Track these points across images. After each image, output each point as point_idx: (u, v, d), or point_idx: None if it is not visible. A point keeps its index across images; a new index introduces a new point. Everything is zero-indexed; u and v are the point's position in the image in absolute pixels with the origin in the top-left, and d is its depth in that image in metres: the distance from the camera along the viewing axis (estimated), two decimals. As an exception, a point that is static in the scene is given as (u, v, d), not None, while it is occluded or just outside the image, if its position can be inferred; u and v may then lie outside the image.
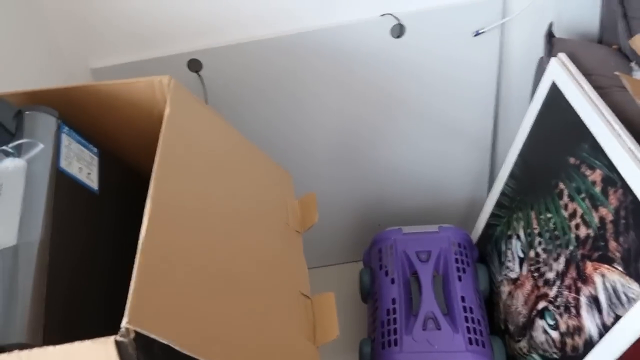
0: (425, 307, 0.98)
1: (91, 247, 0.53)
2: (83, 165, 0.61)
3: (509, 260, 1.03)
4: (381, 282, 1.05)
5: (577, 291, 0.80)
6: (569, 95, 0.84)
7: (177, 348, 0.39)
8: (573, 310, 0.81)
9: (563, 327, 0.84)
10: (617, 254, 0.72)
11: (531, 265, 0.95)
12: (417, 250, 1.08)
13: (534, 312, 0.93)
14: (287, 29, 0.98)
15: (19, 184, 0.51)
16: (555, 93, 0.88)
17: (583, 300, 0.79)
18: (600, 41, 1.01)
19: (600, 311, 0.75)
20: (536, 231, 0.94)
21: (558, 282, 0.86)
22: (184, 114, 0.61)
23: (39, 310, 0.42)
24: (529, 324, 0.95)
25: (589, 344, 0.77)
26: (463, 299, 0.99)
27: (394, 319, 0.97)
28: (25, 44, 0.85)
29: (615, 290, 0.72)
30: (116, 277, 0.45)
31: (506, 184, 1.07)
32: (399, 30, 0.99)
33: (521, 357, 0.97)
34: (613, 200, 0.73)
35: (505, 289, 1.05)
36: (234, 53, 0.99)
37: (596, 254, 0.76)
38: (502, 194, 1.09)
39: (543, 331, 0.90)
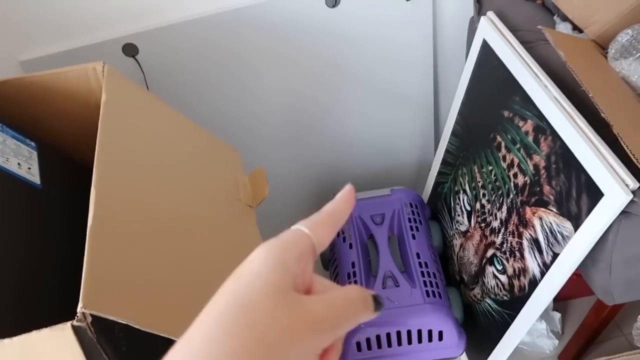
0: (384, 267, 1.02)
1: (40, 240, 0.53)
2: (22, 160, 0.60)
3: (458, 215, 1.09)
4: (340, 248, 1.09)
5: (520, 235, 0.86)
6: (499, 51, 0.87)
7: (136, 327, 0.40)
8: (517, 254, 0.87)
9: (510, 271, 0.90)
10: (551, 197, 0.77)
11: (478, 216, 1.00)
12: (371, 214, 1.11)
13: (484, 260, 0.99)
14: (224, 4, 0.97)
15: (-44, 185, 0.50)
16: (486, 50, 0.92)
17: (525, 243, 0.84)
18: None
19: (540, 251, 0.80)
20: (480, 184, 0.99)
21: (503, 230, 0.91)
22: (122, 100, 0.61)
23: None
24: (480, 272, 1.00)
25: (533, 283, 0.82)
26: (418, 255, 1.03)
27: (355, 282, 1.01)
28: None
29: (552, 231, 0.77)
30: (71, 265, 0.46)
31: (450, 142, 1.11)
32: (334, 0, 0.99)
33: (476, 303, 1.03)
34: (544, 147, 0.78)
35: (457, 242, 1.10)
36: (171, 34, 0.97)
37: (533, 199, 0.81)
38: (447, 152, 1.13)
39: (493, 276, 0.96)
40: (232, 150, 0.77)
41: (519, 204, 0.86)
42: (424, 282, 0.99)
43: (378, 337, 0.95)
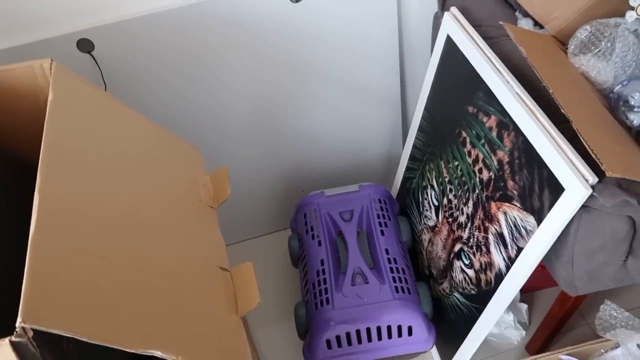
0: (353, 264, 1.01)
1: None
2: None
3: (427, 210, 1.09)
4: (309, 246, 1.08)
5: (486, 230, 0.87)
6: (462, 47, 0.88)
7: (83, 339, 0.38)
8: (484, 248, 0.88)
9: (477, 265, 0.91)
10: (515, 192, 0.77)
11: (445, 211, 1.01)
12: (340, 211, 1.11)
13: (452, 255, 0.99)
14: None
15: None
16: (450, 46, 0.92)
17: (491, 237, 0.85)
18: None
19: (505, 246, 0.81)
20: (447, 179, 0.99)
21: (469, 224, 0.92)
22: (70, 99, 0.58)
23: None
24: (448, 266, 1.01)
25: (499, 277, 0.83)
26: (387, 251, 1.03)
27: (324, 279, 1.00)
28: None
29: (516, 225, 0.78)
30: (13, 274, 0.43)
31: (417, 138, 1.11)
32: (298, -5, 0.98)
33: (445, 297, 1.03)
34: (507, 142, 0.78)
35: (425, 237, 1.11)
36: (129, 28, 0.94)
37: (498, 194, 0.82)
38: (414, 147, 1.13)
39: (461, 271, 0.96)
40: (192, 149, 0.75)
41: (484, 199, 0.86)
42: (393, 278, 0.99)
43: (348, 335, 0.95)
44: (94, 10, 0.92)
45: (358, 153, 1.29)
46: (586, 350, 0.93)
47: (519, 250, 0.77)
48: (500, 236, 0.82)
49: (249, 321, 1.20)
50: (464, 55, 0.87)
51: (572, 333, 1.11)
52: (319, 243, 1.06)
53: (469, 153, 0.90)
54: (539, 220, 0.72)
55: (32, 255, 0.39)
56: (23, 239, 0.42)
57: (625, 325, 0.91)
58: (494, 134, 0.81)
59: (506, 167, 0.79)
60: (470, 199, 0.91)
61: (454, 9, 0.91)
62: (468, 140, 0.90)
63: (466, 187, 0.92)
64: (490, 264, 0.86)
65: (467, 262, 0.94)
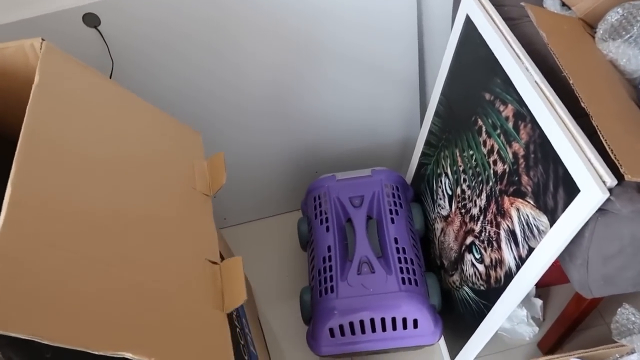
0: (360, 252, 0.99)
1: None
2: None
3: (440, 198, 1.05)
4: (317, 231, 1.06)
5: (497, 225, 0.82)
6: (481, 28, 0.82)
7: (44, 342, 0.37)
8: (495, 244, 0.84)
9: (487, 260, 0.86)
10: (529, 188, 0.73)
11: (458, 202, 0.96)
12: (350, 196, 1.08)
13: (463, 247, 0.95)
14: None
15: None
16: (469, 27, 0.86)
17: (502, 234, 0.81)
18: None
19: (517, 244, 0.77)
20: (461, 168, 0.95)
21: (482, 218, 0.87)
22: (58, 82, 0.56)
23: None
24: (459, 259, 0.97)
25: (509, 276, 0.79)
26: (396, 240, 1.00)
27: (330, 267, 0.98)
28: None
29: (528, 224, 0.73)
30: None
31: (433, 123, 1.06)
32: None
33: (455, 290, 1.00)
34: (524, 135, 0.73)
35: (438, 226, 1.07)
36: (136, 2, 0.91)
37: (511, 189, 0.77)
38: (430, 132, 1.08)
39: (471, 264, 0.92)
40: (192, 133, 0.73)
41: (497, 192, 0.81)
42: (401, 268, 0.96)
43: (351, 324, 0.93)
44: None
45: (373, 136, 1.25)
46: (600, 355, 0.88)
47: (530, 250, 0.73)
48: (512, 233, 0.78)
49: (259, 299, 1.20)
50: (482, 37, 0.81)
51: (588, 332, 1.07)
52: (327, 229, 1.04)
53: (484, 143, 0.85)
54: (552, 221, 0.67)
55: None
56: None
57: (644, 330, 0.86)
58: (510, 124, 0.76)
59: (521, 160, 0.74)
60: (484, 192, 0.86)
61: (475, -13, 0.84)
62: (484, 129, 0.85)
63: (480, 179, 0.87)
64: (500, 261, 0.82)
65: (477, 256, 0.90)
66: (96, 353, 0.40)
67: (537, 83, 0.69)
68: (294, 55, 1.06)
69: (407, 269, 0.96)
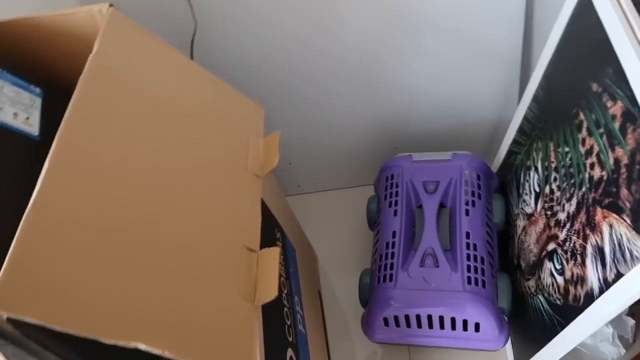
0: (426, 243, 0.92)
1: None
2: (20, 109, 0.58)
3: (526, 194, 0.94)
4: (384, 213, 1.00)
5: (585, 238, 0.71)
6: (598, 4, 0.68)
7: (52, 328, 0.37)
8: (579, 258, 0.73)
9: (568, 274, 0.76)
10: (627, 204, 0.61)
11: (545, 202, 0.85)
12: (424, 180, 1.00)
13: (544, 253, 0.85)
14: None
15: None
16: (585, 3, 0.72)
17: (589, 249, 0.70)
18: None
19: (604, 264, 0.66)
20: (553, 165, 0.83)
21: (568, 225, 0.77)
22: (117, 52, 0.55)
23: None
24: (538, 264, 0.87)
25: (589, 297, 0.69)
26: (468, 235, 0.92)
27: (392, 254, 0.93)
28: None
29: (620, 244, 0.62)
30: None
31: (529, 109, 0.94)
32: None
33: (529, 296, 0.91)
34: (630, 140, 0.61)
35: (520, 223, 0.96)
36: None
37: (607, 200, 0.66)
38: (525, 119, 0.96)
39: (550, 274, 0.82)
40: (254, 107, 0.70)
41: (590, 200, 0.70)
42: (468, 266, 0.88)
43: (407, 317, 0.88)
44: None
45: (462, 115, 1.14)
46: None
47: (619, 275, 0.62)
48: (600, 251, 0.67)
49: (322, 270, 1.18)
50: (598, 16, 0.68)
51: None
52: (395, 212, 0.98)
53: (583, 141, 0.73)
54: (653, 251, 0.56)
55: (26, 226, 0.38)
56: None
57: None
58: (617, 124, 0.64)
59: (623, 170, 0.62)
60: (575, 196, 0.75)
61: (597, -47, 0.70)
62: (585, 124, 0.72)
63: (573, 181, 0.76)
64: (582, 279, 0.72)
65: (558, 266, 0.79)
66: (107, 342, 0.40)
67: (656, 80, 0.56)
68: (389, 23, 0.97)
69: (476, 267, 0.88)
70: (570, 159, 0.76)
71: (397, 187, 1.01)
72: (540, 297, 0.86)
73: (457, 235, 0.92)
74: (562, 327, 0.77)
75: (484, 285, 0.87)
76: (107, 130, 0.51)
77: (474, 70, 1.06)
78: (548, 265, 0.83)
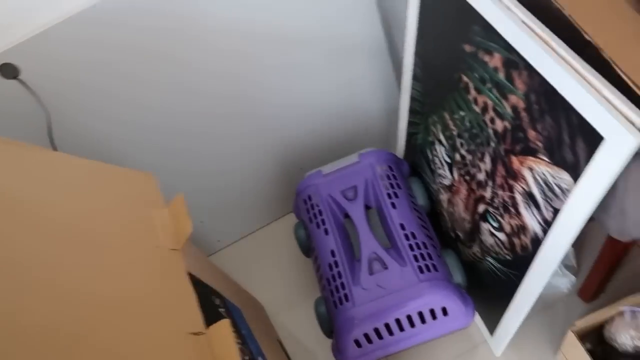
0: (367, 249, 0.89)
1: None
2: None
3: (439, 168, 0.95)
4: (315, 236, 0.96)
5: (511, 189, 0.72)
6: (443, -27, 0.70)
7: None
8: (512, 210, 0.74)
9: (507, 228, 0.77)
10: (539, 143, 0.63)
11: (460, 169, 0.87)
12: (342, 189, 0.98)
13: (477, 216, 0.86)
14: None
15: None
16: (429, -26, 0.75)
17: (518, 197, 0.71)
18: None
19: (538, 206, 0.67)
20: (455, 132, 0.84)
21: (490, 183, 0.78)
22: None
23: None
24: (475, 229, 0.88)
25: (536, 241, 0.70)
26: (402, 226, 0.90)
27: (339, 273, 0.89)
28: None
29: (546, 183, 0.64)
30: None
31: (413, 88, 0.96)
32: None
33: (478, 262, 0.91)
34: (520, 85, 0.63)
35: (443, 197, 0.97)
36: (53, 40, 0.79)
37: (518, 147, 0.67)
38: (413, 99, 0.98)
39: (490, 234, 0.83)
40: (143, 178, 0.62)
41: (502, 153, 0.71)
42: (415, 256, 0.86)
43: (377, 330, 0.84)
44: (6, 28, 0.78)
45: (353, 116, 1.14)
46: (651, 296, 0.80)
47: (556, 211, 0.63)
48: (529, 195, 0.68)
49: (275, 316, 1.11)
50: (447, -16, 0.70)
51: (631, 268, 0.98)
52: (326, 232, 0.94)
53: (475, 101, 0.74)
54: (575, 177, 0.58)
55: None
56: None
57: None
58: (502, 75, 0.66)
59: (523, 114, 0.64)
60: (487, 154, 0.76)
61: None
62: (471, 85, 0.74)
63: (479, 141, 0.77)
64: (522, 227, 0.73)
65: (495, 224, 0.80)
66: None
67: (524, 22, 0.58)
68: (249, 55, 0.94)
69: (422, 254, 0.87)
70: (470, 121, 0.78)
71: (318, 206, 0.97)
72: (489, 259, 0.87)
73: (393, 230, 0.90)
74: (520, 279, 0.77)
75: (435, 269, 0.86)
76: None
77: (347, 69, 1.06)
78: (485, 226, 0.84)
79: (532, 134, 0.63)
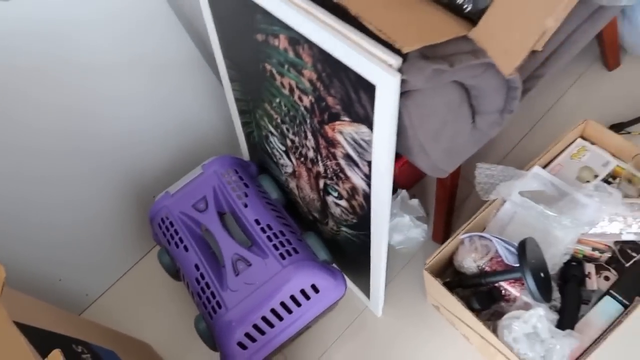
0: (228, 253, 0.90)
1: None
2: None
3: (280, 158, 0.98)
4: (177, 256, 0.94)
5: (334, 156, 0.78)
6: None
7: None
8: (342, 175, 0.79)
9: (344, 194, 0.83)
10: (338, 107, 0.68)
11: (294, 153, 0.91)
12: (192, 204, 0.97)
13: (321, 193, 0.91)
14: None
15: None
16: (207, -23, 0.78)
17: (342, 162, 0.77)
18: None
19: (357, 164, 0.73)
20: (279, 120, 0.88)
21: (319, 157, 0.83)
22: None
23: None
24: (324, 205, 0.93)
25: (367, 196, 0.76)
26: (257, 221, 0.92)
27: (207, 284, 0.88)
28: None
29: (355, 141, 0.69)
30: None
31: (234, 89, 0.98)
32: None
33: (336, 235, 0.96)
34: (306, 57, 0.68)
35: (292, 184, 1.01)
36: None
37: (326, 116, 0.72)
38: (237, 100, 1.00)
39: (335, 205, 0.88)
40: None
41: (317, 125, 0.76)
42: (274, 245, 0.89)
43: (256, 326, 0.85)
44: None
45: (191, 131, 1.14)
46: (481, 219, 0.90)
47: (369, 163, 0.69)
48: (348, 157, 0.74)
49: (168, 352, 1.07)
50: (223, -18, 0.74)
51: (467, 203, 1.10)
52: (185, 248, 0.93)
53: (282, 84, 0.79)
54: (370, 127, 0.64)
55: None
56: None
57: (503, 179, 0.89)
58: (291, 54, 0.70)
59: (318, 84, 0.69)
60: (308, 131, 0.81)
61: None
62: (274, 71, 0.78)
63: (298, 121, 0.82)
64: (354, 189, 0.78)
65: (335, 194, 0.86)
66: None
67: (292, 1, 0.63)
68: (67, 94, 0.90)
69: (281, 242, 0.90)
70: (285, 105, 0.82)
71: (172, 226, 0.96)
72: (343, 228, 0.92)
73: (250, 227, 0.91)
74: (369, 237, 0.83)
75: (296, 252, 0.89)
76: None
77: (173, 88, 1.06)
78: (329, 199, 0.89)
79: (330, 100, 0.69)
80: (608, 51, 1.11)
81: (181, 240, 0.94)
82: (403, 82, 0.55)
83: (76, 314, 1.15)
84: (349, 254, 0.96)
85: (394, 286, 1.05)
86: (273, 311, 0.86)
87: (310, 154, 0.85)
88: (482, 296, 0.85)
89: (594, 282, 0.86)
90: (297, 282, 0.86)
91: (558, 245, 0.85)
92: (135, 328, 1.05)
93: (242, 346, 0.86)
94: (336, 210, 0.89)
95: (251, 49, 0.81)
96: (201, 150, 1.18)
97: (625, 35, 1.09)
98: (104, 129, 1.01)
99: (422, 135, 0.66)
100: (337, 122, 0.71)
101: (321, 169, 0.85)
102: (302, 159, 0.89)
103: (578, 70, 1.19)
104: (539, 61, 0.74)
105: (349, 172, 0.77)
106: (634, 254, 0.86)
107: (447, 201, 0.98)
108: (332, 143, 0.76)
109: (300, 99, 0.76)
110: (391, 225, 1.08)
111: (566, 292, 0.83)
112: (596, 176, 0.91)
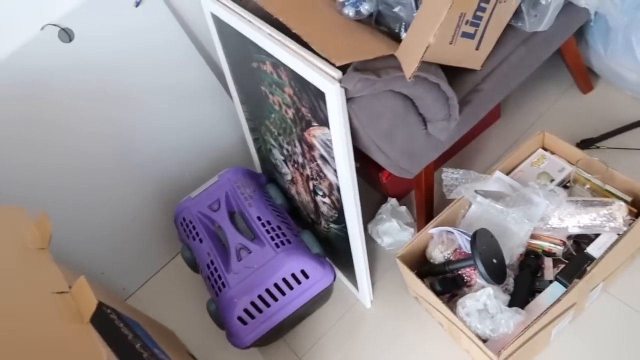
0: (233, 242, 1.08)
1: None
2: None
3: (281, 168, 1.17)
4: (195, 248, 1.13)
5: (313, 158, 0.95)
6: (219, 15, 0.96)
7: None
8: (322, 174, 0.97)
9: (326, 191, 0.99)
10: (309, 115, 0.86)
11: (290, 160, 1.09)
12: (208, 204, 1.17)
13: (312, 194, 1.08)
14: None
15: None
16: (217, 21, 1.00)
17: (320, 162, 0.94)
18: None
19: (328, 162, 0.90)
20: (276, 133, 1.08)
21: (305, 161, 1.00)
22: None
23: None
24: (315, 205, 1.09)
25: (339, 190, 0.92)
26: (259, 218, 1.10)
27: (215, 269, 1.06)
28: None
29: (324, 142, 0.87)
30: None
31: (244, 111, 1.19)
32: (67, 36, 1.03)
33: (328, 233, 1.12)
34: (284, 77, 0.87)
35: (293, 191, 1.19)
36: None
37: (303, 123, 0.91)
38: (247, 119, 1.21)
39: (322, 203, 1.05)
40: (13, 212, 0.78)
41: (299, 133, 0.95)
42: (271, 237, 1.06)
43: (254, 304, 1.01)
44: None
45: (215, 148, 1.35)
46: (450, 215, 1.03)
47: (333, 158, 0.86)
48: (322, 157, 0.91)
49: (193, 340, 1.23)
50: (225, 23, 0.96)
51: (442, 205, 1.22)
52: (200, 240, 1.12)
53: (274, 102, 0.98)
54: (329, 127, 0.81)
55: None
56: None
57: (466, 181, 1.03)
58: (275, 75, 0.90)
59: (295, 98, 0.88)
60: (295, 139, 0.99)
61: (203, -11, 0.98)
62: (268, 91, 0.98)
63: (287, 132, 1.00)
64: (330, 185, 0.95)
65: (321, 193, 1.02)
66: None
67: (269, 34, 0.83)
68: (106, 121, 1.15)
69: (277, 234, 1.07)
70: (278, 119, 1.02)
71: (191, 223, 1.15)
72: (331, 225, 1.08)
73: (252, 222, 1.09)
74: (347, 229, 0.99)
75: (289, 242, 1.06)
76: None
77: (200, 113, 1.28)
78: (318, 199, 1.06)
79: (303, 109, 0.87)
80: (578, 77, 1.24)
81: (197, 235, 1.13)
82: (346, 90, 0.73)
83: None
84: (340, 250, 1.11)
85: (383, 282, 1.18)
86: (268, 291, 1.02)
87: (300, 159, 1.03)
88: (445, 281, 0.97)
89: (551, 273, 0.97)
90: (288, 266, 1.02)
91: (514, 238, 0.97)
92: (164, 319, 1.23)
93: (242, 321, 1.02)
94: (324, 209, 1.06)
95: (251, 75, 1.01)
96: (222, 163, 1.39)
97: (593, 61, 1.22)
98: (144, 148, 1.23)
99: (372, 134, 0.83)
100: (311, 128, 0.89)
101: (308, 172, 1.02)
102: (296, 165, 1.07)
103: (555, 95, 1.32)
104: (480, 77, 0.90)
105: (325, 171, 0.94)
106: (584, 246, 0.96)
107: (424, 204, 1.13)
108: (311, 146, 0.94)
109: (286, 112, 0.96)
110: (382, 229, 1.22)
111: (518, 278, 0.95)
112: (552, 180, 1.03)
